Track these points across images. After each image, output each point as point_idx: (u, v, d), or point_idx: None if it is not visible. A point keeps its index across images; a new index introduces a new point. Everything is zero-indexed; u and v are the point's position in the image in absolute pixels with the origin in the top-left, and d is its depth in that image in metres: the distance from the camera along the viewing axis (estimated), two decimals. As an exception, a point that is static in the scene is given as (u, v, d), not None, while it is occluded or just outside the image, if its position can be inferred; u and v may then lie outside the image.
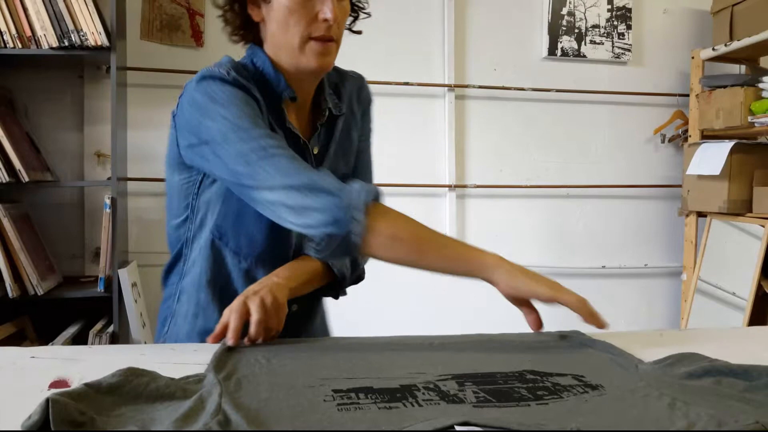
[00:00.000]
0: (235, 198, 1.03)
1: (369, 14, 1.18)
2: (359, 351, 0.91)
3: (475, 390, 0.75)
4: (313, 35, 1.04)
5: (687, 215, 3.07)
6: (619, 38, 3.19)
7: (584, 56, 3.15)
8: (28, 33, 2.24)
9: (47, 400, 0.59)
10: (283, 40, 1.06)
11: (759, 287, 2.57)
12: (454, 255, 0.96)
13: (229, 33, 1.12)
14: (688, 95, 3.14)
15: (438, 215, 3.02)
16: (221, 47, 2.95)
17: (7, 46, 2.22)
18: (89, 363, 0.87)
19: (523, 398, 0.73)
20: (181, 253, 1.13)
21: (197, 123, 1.00)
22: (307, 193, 0.91)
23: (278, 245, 1.09)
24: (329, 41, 1.05)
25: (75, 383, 0.77)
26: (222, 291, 1.07)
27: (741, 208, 2.72)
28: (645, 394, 0.75)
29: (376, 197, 0.93)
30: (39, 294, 2.24)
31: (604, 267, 3.21)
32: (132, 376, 0.72)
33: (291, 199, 0.92)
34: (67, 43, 2.24)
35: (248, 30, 1.10)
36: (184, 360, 0.89)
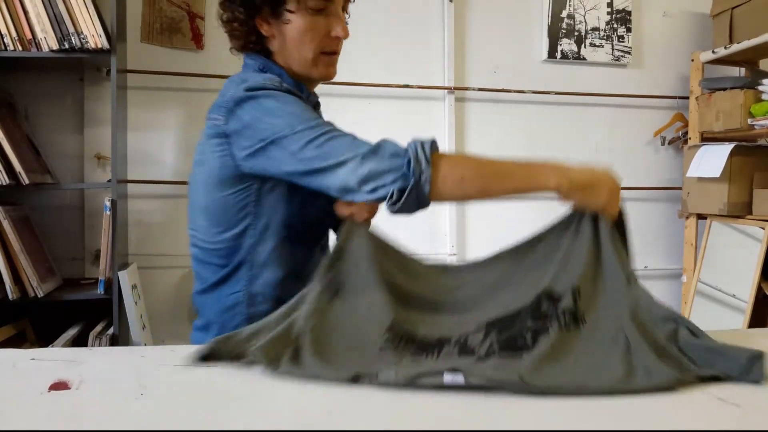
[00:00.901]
0: (298, 197, 1.11)
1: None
2: (431, 301, 1.06)
3: (492, 342, 0.94)
4: (325, 50, 1.17)
5: (687, 217, 3.07)
6: (618, 41, 3.19)
7: (584, 59, 3.16)
8: (29, 35, 2.24)
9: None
10: (296, 54, 1.16)
11: (759, 289, 2.57)
12: (517, 182, 1.05)
13: (238, 46, 1.19)
14: (687, 98, 3.14)
15: (439, 216, 3.02)
16: (221, 50, 2.96)
17: (8, 48, 2.23)
18: (89, 365, 0.87)
19: (521, 347, 0.91)
20: (244, 261, 1.14)
21: (263, 127, 1.04)
22: (375, 159, 0.99)
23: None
24: (336, 54, 1.19)
25: (75, 385, 0.77)
26: (297, 282, 1.07)
27: (741, 211, 2.72)
28: (613, 338, 0.93)
29: (434, 147, 1.01)
30: (39, 296, 2.24)
31: (604, 269, 3.21)
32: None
33: (362, 168, 0.98)
34: (67, 46, 2.25)
35: (257, 43, 1.17)
36: (184, 362, 0.89)
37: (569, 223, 1.11)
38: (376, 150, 1.00)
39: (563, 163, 1.06)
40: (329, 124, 1.06)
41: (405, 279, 1.06)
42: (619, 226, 1.18)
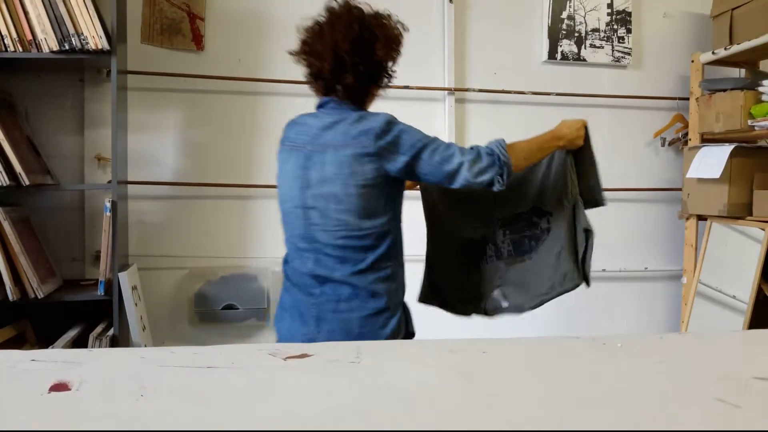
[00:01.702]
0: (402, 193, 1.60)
1: None
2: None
3: (507, 241, 1.62)
4: None
5: (687, 218, 3.07)
6: (619, 42, 3.19)
7: (584, 60, 3.16)
8: (29, 36, 2.24)
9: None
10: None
11: (759, 290, 2.57)
12: (544, 153, 1.70)
13: (354, 99, 1.57)
14: (688, 99, 3.14)
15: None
16: (221, 51, 2.97)
17: (8, 49, 2.23)
18: (89, 366, 0.87)
19: (525, 251, 1.61)
20: (391, 242, 1.54)
21: (413, 143, 1.48)
22: (479, 161, 1.51)
23: None
24: None
25: (75, 386, 0.77)
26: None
27: (741, 212, 2.72)
28: (558, 251, 1.66)
29: (504, 143, 1.55)
30: (39, 297, 2.24)
31: (604, 270, 3.21)
32: None
33: (474, 168, 1.49)
34: (67, 47, 2.25)
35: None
36: (185, 363, 0.89)
37: (551, 157, 1.74)
38: (476, 154, 1.51)
39: (555, 129, 1.72)
40: (436, 137, 1.54)
41: (452, 206, 1.75)
42: (586, 150, 1.75)
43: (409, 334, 1.61)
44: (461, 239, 1.65)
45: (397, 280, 1.56)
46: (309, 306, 1.52)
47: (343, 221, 1.47)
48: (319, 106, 1.58)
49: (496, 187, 1.50)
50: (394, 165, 1.48)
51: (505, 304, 1.62)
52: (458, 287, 1.69)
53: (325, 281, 1.51)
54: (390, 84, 1.64)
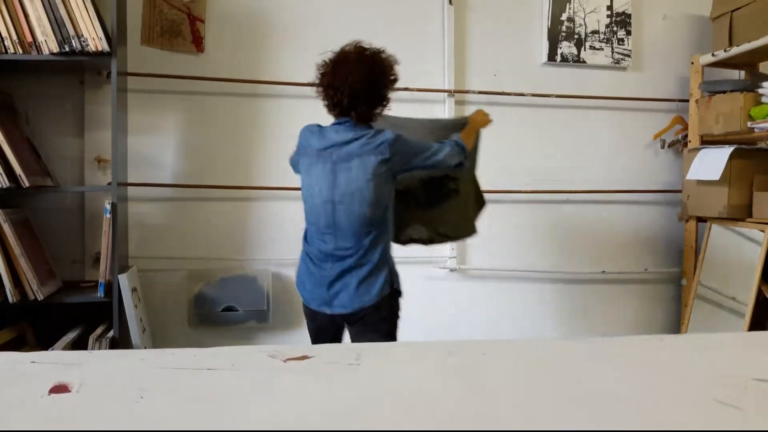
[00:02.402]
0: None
1: None
2: None
3: (425, 196, 2.28)
4: None
5: (687, 220, 3.07)
6: (618, 44, 3.20)
7: (584, 62, 3.16)
8: (29, 38, 2.24)
9: None
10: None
11: (759, 292, 2.57)
12: (474, 133, 2.22)
13: (365, 120, 1.99)
14: (687, 101, 3.15)
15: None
16: (221, 53, 2.97)
17: (8, 51, 2.23)
18: (89, 368, 0.87)
19: (442, 199, 2.28)
20: (386, 224, 2.00)
21: (415, 151, 1.99)
22: (450, 152, 2.03)
23: None
24: None
25: (75, 388, 0.77)
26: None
27: (741, 213, 2.72)
28: (464, 203, 2.34)
29: (459, 136, 2.10)
30: (39, 299, 2.24)
31: (604, 272, 3.21)
32: None
33: (449, 157, 2.02)
34: (67, 49, 2.25)
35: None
36: (185, 365, 0.89)
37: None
38: (449, 148, 2.03)
39: (472, 119, 2.25)
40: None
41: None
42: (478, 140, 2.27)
43: (395, 291, 2.01)
44: (398, 193, 2.11)
45: (387, 251, 2.02)
46: (324, 276, 1.99)
47: (363, 212, 1.93)
48: (337, 123, 1.98)
49: (463, 166, 2.09)
50: (400, 166, 1.97)
51: (416, 236, 2.27)
52: (396, 224, 2.19)
53: (337, 259, 1.97)
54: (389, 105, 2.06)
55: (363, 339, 1.97)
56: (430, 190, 2.25)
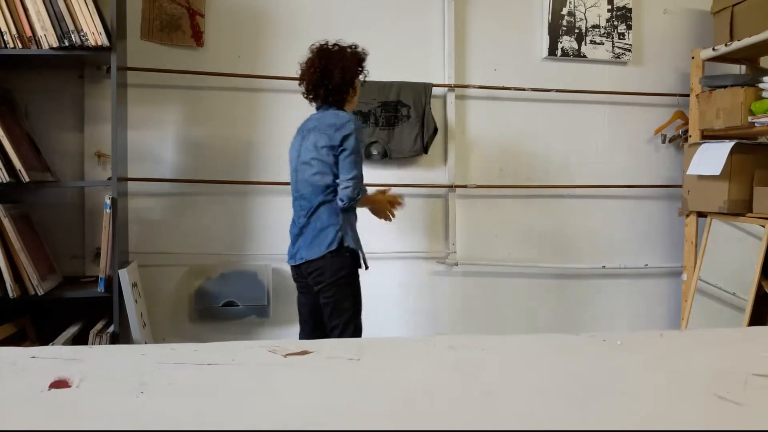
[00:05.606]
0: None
1: None
2: None
3: (383, 116, 2.92)
4: None
5: (687, 215, 3.07)
6: (619, 38, 3.19)
7: (584, 56, 3.16)
8: (29, 33, 2.24)
9: None
10: (354, 106, 2.43)
11: (759, 287, 2.57)
12: (367, 204, 2.40)
13: (330, 102, 2.31)
14: (688, 95, 3.14)
15: (439, 214, 3.02)
16: (221, 47, 2.96)
17: (8, 46, 2.23)
18: (90, 363, 0.87)
19: (393, 124, 2.92)
20: (333, 190, 2.25)
21: (352, 147, 2.22)
22: (355, 186, 2.22)
23: None
24: None
25: (75, 383, 0.77)
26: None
27: (741, 209, 2.72)
28: (418, 127, 3.01)
29: (366, 192, 2.31)
30: (39, 294, 2.24)
31: (604, 267, 3.21)
32: None
33: (352, 188, 2.21)
34: (67, 44, 2.25)
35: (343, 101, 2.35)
36: (185, 360, 0.89)
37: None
38: (356, 181, 2.23)
39: (372, 199, 2.39)
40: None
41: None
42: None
43: (345, 248, 2.23)
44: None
45: (337, 212, 2.25)
46: (293, 235, 2.36)
47: (313, 179, 2.26)
48: (318, 108, 2.36)
49: (342, 203, 2.22)
50: (339, 150, 2.23)
51: (374, 152, 2.85)
52: None
53: (299, 218, 2.33)
54: (362, 84, 2.39)
55: (327, 291, 2.23)
56: (384, 112, 2.85)
